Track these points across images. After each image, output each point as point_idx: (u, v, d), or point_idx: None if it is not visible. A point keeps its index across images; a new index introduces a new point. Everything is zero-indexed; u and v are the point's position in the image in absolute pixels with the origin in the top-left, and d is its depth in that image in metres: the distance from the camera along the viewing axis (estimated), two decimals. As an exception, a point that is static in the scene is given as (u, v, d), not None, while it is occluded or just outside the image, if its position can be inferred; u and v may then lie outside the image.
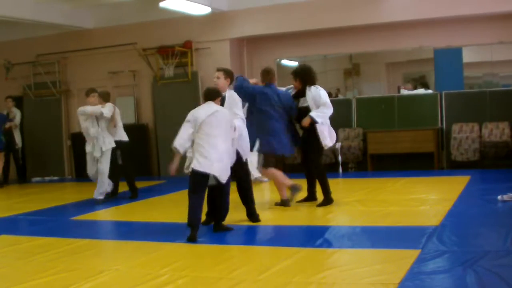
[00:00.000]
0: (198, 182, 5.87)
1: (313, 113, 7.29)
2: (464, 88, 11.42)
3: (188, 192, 5.91)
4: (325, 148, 7.44)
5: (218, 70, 6.80)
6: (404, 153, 11.28)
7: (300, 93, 7.50)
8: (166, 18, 12.29)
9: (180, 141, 5.89)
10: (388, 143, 11.31)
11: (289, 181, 7.44)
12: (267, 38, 12.41)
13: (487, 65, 11.43)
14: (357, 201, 7.60)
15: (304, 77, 7.50)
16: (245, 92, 7.12)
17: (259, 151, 7.45)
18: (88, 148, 8.83)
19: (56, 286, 4.40)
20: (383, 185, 9.08)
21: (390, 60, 12.51)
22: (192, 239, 5.71)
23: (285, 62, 12.92)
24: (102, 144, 8.73)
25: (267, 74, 7.51)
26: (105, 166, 8.71)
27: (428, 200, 7.58)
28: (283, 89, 7.73)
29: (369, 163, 11.45)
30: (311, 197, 7.71)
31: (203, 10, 11.52)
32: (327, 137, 7.37)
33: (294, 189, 7.37)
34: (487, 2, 10.48)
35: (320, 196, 7.56)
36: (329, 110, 7.37)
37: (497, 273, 4.03)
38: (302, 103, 7.46)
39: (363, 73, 12.58)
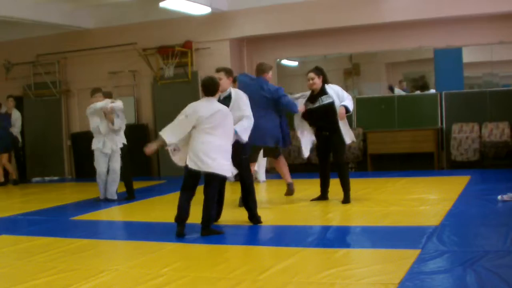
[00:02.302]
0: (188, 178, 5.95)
1: (345, 103, 7.42)
2: (464, 88, 11.42)
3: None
4: (348, 142, 7.57)
5: (218, 70, 6.70)
6: (404, 153, 11.28)
7: (318, 93, 7.53)
8: (166, 18, 12.29)
9: (173, 135, 5.89)
10: (388, 143, 11.32)
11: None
12: (267, 38, 12.41)
13: (487, 65, 11.42)
14: (357, 201, 7.60)
15: (324, 76, 7.64)
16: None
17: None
18: (98, 145, 8.80)
19: (56, 286, 4.39)
20: (383, 185, 9.08)
21: (390, 60, 12.51)
22: (179, 235, 5.84)
23: (285, 62, 12.92)
24: (112, 143, 8.75)
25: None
26: (117, 164, 8.79)
27: (428, 200, 7.58)
28: (297, 95, 7.84)
29: (369, 163, 11.45)
30: (323, 196, 7.77)
31: (203, 10, 11.52)
32: (348, 133, 7.53)
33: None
34: (487, 2, 10.48)
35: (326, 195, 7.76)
36: (352, 103, 7.64)
37: (497, 273, 4.03)
38: (324, 100, 7.48)
39: (363, 73, 12.58)
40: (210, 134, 5.81)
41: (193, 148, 5.83)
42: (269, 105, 7.41)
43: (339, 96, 7.48)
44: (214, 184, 5.96)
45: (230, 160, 5.99)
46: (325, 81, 7.60)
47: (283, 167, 8.02)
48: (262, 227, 6.37)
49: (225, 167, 5.89)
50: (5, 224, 7.50)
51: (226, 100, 6.32)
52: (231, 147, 6.03)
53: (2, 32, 13.23)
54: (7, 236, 6.58)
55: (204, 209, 5.94)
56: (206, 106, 5.89)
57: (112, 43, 12.84)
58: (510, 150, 10.58)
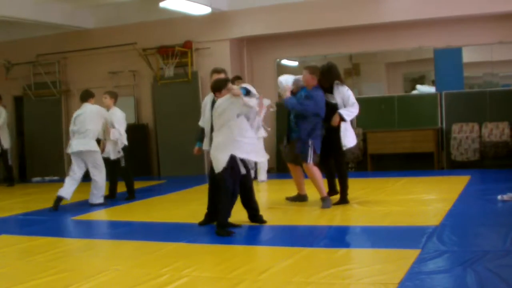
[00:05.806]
0: None
1: (342, 111, 7.32)
2: (464, 88, 11.42)
3: None
4: (344, 148, 7.42)
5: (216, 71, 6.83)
6: (404, 153, 11.28)
7: (325, 90, 7.44)
8: (166, 18, 12.29)
9: None
10: (388, 143, 11.31)
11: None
12: (267, 38, 12.41)
13: (487, 65, 11.42)
14: (357, 201, 7.60)
15: (330, 75, 7.47)
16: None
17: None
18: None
19: (56, 286, 4.39)
20: (383, 185, 9.08)
21: (390, 60, 12.50)
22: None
23: (285, 62, 12.92)
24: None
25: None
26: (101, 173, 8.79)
27: (428, 200, 7.57)
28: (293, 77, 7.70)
29: (369, 163, 11.45)
30: (332, 192, 7.73)
31: (203, 10, 11.52)
32: (348, 137, 7.41)
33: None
34: (487, 2, 10.48)
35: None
36: (357, 110, 7.46)
37: (497, 273, 4.03)
38: (329, 98, 7.40)
39: (363, 73, 12.57)
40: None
41: None
42: None
43: (344, 102, 7.37)
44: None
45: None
46: (329, 80, 7.43)
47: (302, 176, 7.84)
48: (262, 227, 6.37)
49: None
50: (5, 224, 7.50)
51: None
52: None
53: (2, 32, 13.24)
54: (7, 236, 6.58)
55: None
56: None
57: (112, 43, 12.84)
58: (510, 150, 10.58)
